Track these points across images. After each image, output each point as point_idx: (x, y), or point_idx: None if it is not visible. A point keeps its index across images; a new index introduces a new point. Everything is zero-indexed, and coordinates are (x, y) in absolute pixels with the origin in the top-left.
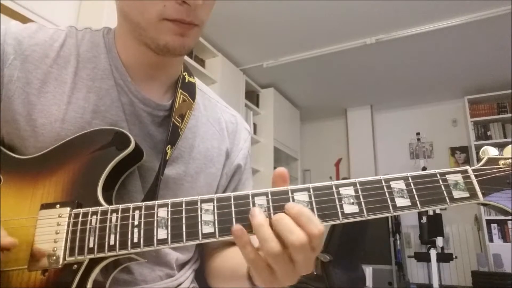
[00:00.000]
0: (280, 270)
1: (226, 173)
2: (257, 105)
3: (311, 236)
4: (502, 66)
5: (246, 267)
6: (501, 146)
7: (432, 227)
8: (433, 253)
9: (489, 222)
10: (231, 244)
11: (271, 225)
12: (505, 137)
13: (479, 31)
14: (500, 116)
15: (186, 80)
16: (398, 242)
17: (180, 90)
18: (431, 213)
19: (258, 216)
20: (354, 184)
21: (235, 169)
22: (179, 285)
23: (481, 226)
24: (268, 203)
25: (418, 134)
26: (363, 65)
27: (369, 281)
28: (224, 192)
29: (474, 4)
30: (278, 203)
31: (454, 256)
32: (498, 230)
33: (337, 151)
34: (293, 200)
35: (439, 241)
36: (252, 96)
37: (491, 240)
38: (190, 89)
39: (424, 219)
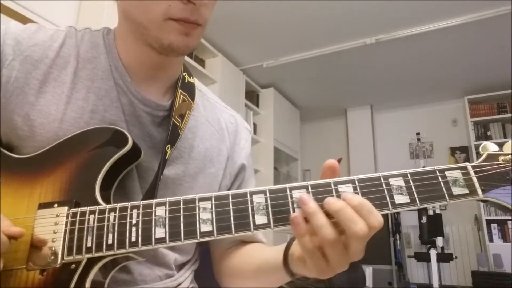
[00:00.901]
0: (335, 258)
1: (230, 173)
2: (257, 105)
3: (371, 228)
4: (502, 66)
5: (282, 257)
6: (501, 146)
7: (432, 227)
8: (433, 253)
9: (489, 222)
10: (244, 242)
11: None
12: (505, 137)
13: (479, 31)
14: (500, 116)
15: (186, 81)
16: (398, 242)
17: (180, 90)
18: (431, 213)
19: (310, 202)
20: (352, 181)
21: (239, 168)
22: (179, 285)
23: (481, 226)
24: (266, 201)
25: (418, 134)
26: (363, 65)
27: (369, 281)
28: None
29: (474, 4)
30: (277, 201)
31: (454, 256)
32: (498, 230)
33: (337, 151)
34: (292, 198)
35: (439, 241)
36: (252, 96)
37: (491, 240)
38: (190, 90)
39: (424, 219)
